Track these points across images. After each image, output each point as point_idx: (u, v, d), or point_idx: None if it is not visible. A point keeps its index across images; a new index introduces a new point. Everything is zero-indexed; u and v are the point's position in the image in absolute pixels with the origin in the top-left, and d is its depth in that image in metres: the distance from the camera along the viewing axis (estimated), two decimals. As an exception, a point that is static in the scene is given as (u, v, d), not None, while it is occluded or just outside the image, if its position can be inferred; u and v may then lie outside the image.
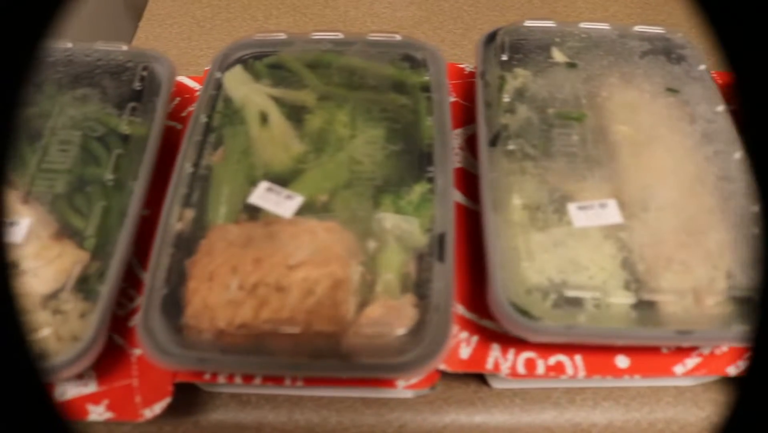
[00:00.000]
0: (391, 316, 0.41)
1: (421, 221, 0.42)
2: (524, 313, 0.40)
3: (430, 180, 0.44)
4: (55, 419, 0.18)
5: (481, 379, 0.47)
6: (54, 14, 0.17)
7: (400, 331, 0.40)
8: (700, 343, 0.41)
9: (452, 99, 0.54)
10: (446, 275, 0.41)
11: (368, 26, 0.70)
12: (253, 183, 0.45)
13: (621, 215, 0.43)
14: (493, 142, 0.45)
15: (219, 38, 0.68)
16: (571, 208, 0.42)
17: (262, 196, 0.43)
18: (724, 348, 0.44)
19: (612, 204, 0.42)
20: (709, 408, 0.48)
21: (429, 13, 0.71)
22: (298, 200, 0.43)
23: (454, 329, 0.44)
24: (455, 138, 0.52)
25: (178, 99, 0.56)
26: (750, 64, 0.17)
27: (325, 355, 0.39)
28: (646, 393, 0.48)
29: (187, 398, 0.47)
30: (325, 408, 0.47)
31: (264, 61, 0.50)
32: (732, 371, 0.44)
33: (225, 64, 0.50)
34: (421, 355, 0.39)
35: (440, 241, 0.42)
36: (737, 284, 0.41)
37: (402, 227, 0.43)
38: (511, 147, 0.45)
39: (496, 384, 0.47)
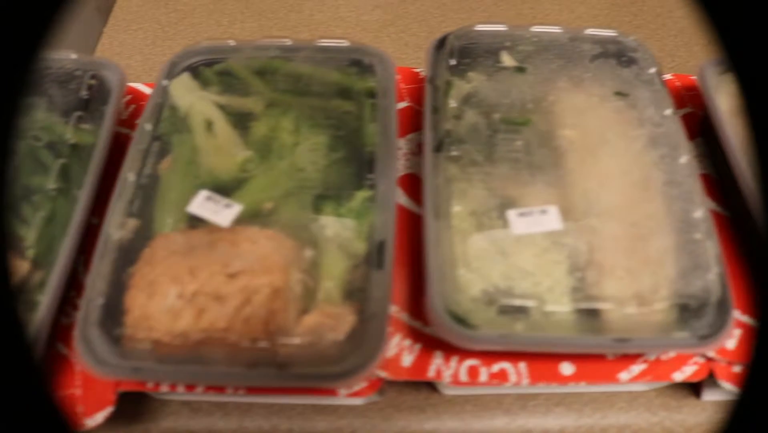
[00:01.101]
0: (329, 324, 0.41)
1: (362, 228, 0.42)
2: (461, 321, 0.40)
3: (372, 187, 0.43)
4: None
5: (432, 385, 0.47)
6: (49, 24, 0.17)
7: (338, 339, 0.40)
8: (639, 350, 0.41)
9: (405, 104, 0.54)
10: (384, 283, 0.40)
11: (332, 30, 0.69)
12: (199, 191, 0.45)
13: (562, 222, 0.42)
14: (438, 147, 0.44)
15: (183, 44, 0.67)
16: (511, 215, 0.41)
17: (201, 205, 0.43)
18: (671, 354, 0.44)
19: (553, 210, 0.42)
20: (662, 413, 0.47)
21: (394, 17, 0.71)
22: (236, 209, 0.42)
23: (397, 337, 0.44)
24: (407, 143, 0.52)
25: (133, 106, 0.56)
26: (749, 64, 0.17)
27: (262, 364, 0.39)
28: (599, 399, 0.47)
29: (138, 405, 0.47)
30: (276, 415, 0.47)
31: (214, 68, 0.50)
32: (678, 377, 0.44)
33: (174, 71, 0.50)
34: (357, 364, 0.38)
35: (379, 248, 0.41)
36: (680, 291, 0.41)
37: (343, 235, 0.43)
38: (455, 153, 0.44)
39: (446, 391, 0.47)
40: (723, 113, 0.49)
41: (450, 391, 0.47)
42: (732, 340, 0.45)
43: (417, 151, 0.52)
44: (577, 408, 0.47)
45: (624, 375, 0.43)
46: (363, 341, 0.39)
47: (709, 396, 0.47)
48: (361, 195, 0.43)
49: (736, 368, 0.44)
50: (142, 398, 0.47)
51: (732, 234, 0.49)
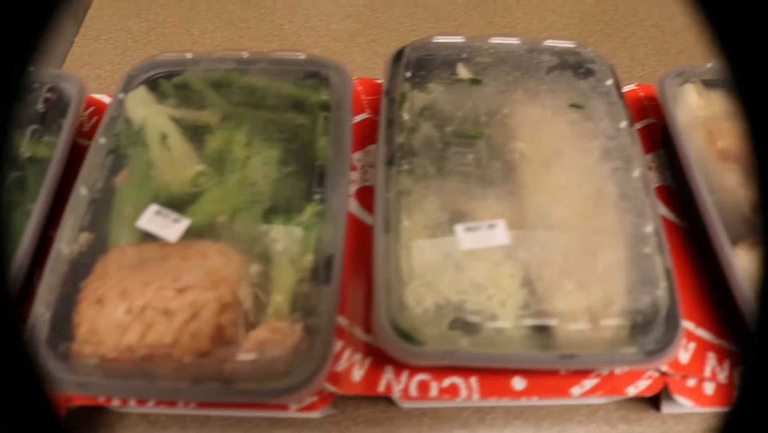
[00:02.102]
0: (276, 339, 0.41)
1: (311, 242, 0.42)
2: (407, 336, 0.40)
3: (322, 201, 0.43)
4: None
5: (390, 399, 0.47)
6: (39, 35, 0.17)
7: (285, 354, 0.40)
8: (585, 367, 0.41)
9: (366, 116, 0.54)
10: (331, 298, 0.40)
11: (303, 40, 0.69)
12: (149, 205, 0.45)
13: (511, 236, 0.42)
14: (390, 161, 0.44)
15: (153, 54, 0.68)
16: (458, 229, 0.41)
17: (150, 219, 0.43)
18: (625, 368, 0.43)
19: (501, 225, 0.42)
20: (622, 426, 0.47)
21: (365, 26, 0.71)
22: (184, 224, 0.42)
23: (348, 351, 0.44)
24: (366, 155, 0.52)
25: (96, 118, 0.56)
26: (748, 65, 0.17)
27: (207, 379, 0.39)
28: (558, 412, 0.47)
29: (97, 418, 0.47)
30: (233, 428, 0.47)
31: (172, 81, 0.50)
32: (631, 391, 0.44)
33: (132, 84, 0.50)
34: (302, 379, 0.38)
35: (327, 263, 0.41)
36: (629, 306, 0.41)
37: (292, 249, 0.43)
38: (406, 166, 0.44)
39: (404, 404, 0.47)
40: (680, 124, 0.48)
41: (407, 404, 0.47)
42: (686, 354, 0.45)
43: (375, 163, 0.52)
44: (535, 422, 0.47)
45: (576, 390, 0.43)
46: (309, 356, 0.39)
47: (668, 409, 0.46)
48: (311, 209, 0.43)
49: (690, 382, 0.44)
50: (100, 410, 0.47)
51: (690, 246, 0.49)
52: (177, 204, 0.45)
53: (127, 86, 0.49)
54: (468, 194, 0.44)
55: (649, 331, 0.40)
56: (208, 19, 0.71)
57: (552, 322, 0.41)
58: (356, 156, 0.52)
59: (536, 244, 0.43)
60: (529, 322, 0.41)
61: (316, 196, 0.43)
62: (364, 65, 0.67)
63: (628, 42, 0.70)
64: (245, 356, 0.40)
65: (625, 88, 0.58)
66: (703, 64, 0.51)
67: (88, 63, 0.67)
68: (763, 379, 0.17)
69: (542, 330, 0.41)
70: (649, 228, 0.42)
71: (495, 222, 0.42)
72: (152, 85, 0.50)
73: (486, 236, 0.41)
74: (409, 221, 0.43)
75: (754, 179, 0.17)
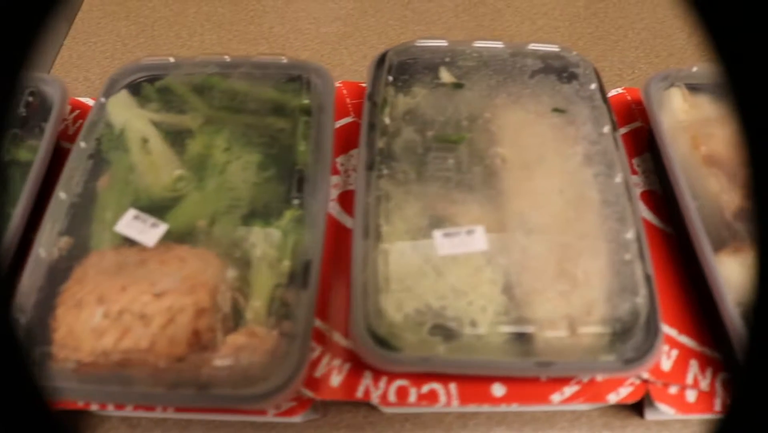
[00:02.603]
0: (253, 344, 0.41)
1: (289, 247, 0.42)
2: (384, 343, 0.39)
3: (301, 206, 0.43)
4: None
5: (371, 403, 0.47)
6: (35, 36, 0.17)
7: (262, 359, 0.40)
8: (562, 374, 0.40)
9: (350, 119, 0.54)
10: (308, 303, 0.40)
11: (291, 42, 0.69)
12: (136, 209, 0.45)
13: (492, 241, 0.42)
14: (370, 165, 0.44)
15: (141, 57, 0.68)
16: (437, 235, 0.41)
17: (129, 224, 0.43)
18: (604, 376, 0.43)
19: (479, 231, 0.41)
20: (605, 433, 0.47)
21: (353, 29, 0.71)
22: (162, 229, 0.42)
23: (327, 356, 0.44)
24: (349, 159, 0.52)
25: (81, 122, 0.56)
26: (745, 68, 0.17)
27: (184, 384, 0.39)
28: (541, 418, 0.47)
29: (79, 420, 0.47)
30: (215, 432, 0.47)
31: (155, 85, 0.50)
32: (613, 398, 0.43)
33: (115, 88, 0.50)
34: (277, 385, 0.38)
35: (305, 268, 0.41)
36: (609, 313, 0.41)
37: (271, 254, 0.42)
38: (386, 171, 0.44)
39: (386, 409, 0.46)
40: (665, 129, 0.48)
41: (389, 409, 0.46)
42: (668, 361, 0.44)
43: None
44: (517, 427, 0.47)
45: (557, 397, 0.43)
46: (285, 361, 0.39)
47: (652, 416, 0.46)
48: (290, 214, 0.43)
49: (673, 390, 0.44)
50: (81, 413, 0.46)
51: (675, 252, 0.49)
52: (158, 208, 0.45)
53: (110, 90, 0.49)
54: (448, 199, 0.43)
55: (628, 339, 0.39)
56: (197, 22, 0.71)
57: (531, 329, 0.41)
58: (340, 160, 0.52)
59: (517, 250, 0.42)
60: (509, 329, 0.41)
61: (295, 201, 0.43)
62: (353, 68, 0.67)
63: (618, 45, 0.69)
64: (221, 361, 0.40)
65: (612, 92, 0.58)
66: (690, 67, 0.51)
67: (76, 66, 0.67)
68: (757, 388, 0.17)
69: (522, 337, 0.41)
70: (629, 234, 0.42)
71: (473, 228, 0.41)
72: (135, 89, 0.50)
73: (464, 241, 0.41)
74: (389, 226, 0.43)
75: (749, 185, 0.17)
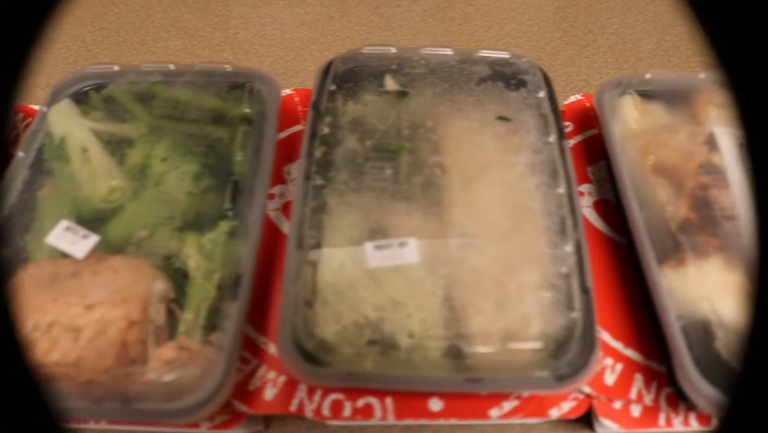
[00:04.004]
0: (183, 357, 0.40)
1: (222, 259, 0.41)
2: (313, 357, 0.39)
3: (236, 217, 0.43)
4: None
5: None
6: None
7: (191, 372, 0.39)
8: (493, 391, 0.39)
9: (300, 127, 0.53)
10: (238, 315, 0.40)
11: (256, 48, 0.69)
12: (76, 219, 0.45)
13: (427, 253, 0.41)
14: (308, 175, 0.43)
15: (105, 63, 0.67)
16: (368, 247, 0.40)
17: (60, 235, 0.42)
18: (538, 392, 0.42)
19: (411, 243, 0.41)
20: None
21: (319, 35, 0.70)
22: (93, 240, 0.42)
23: (262, 369, 0.43)
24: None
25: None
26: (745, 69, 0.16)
27: (109, 398, 0.39)
28: (491, 431, 0.46)
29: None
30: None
31: (102, 94, 0.50)
32: (554, 413, 0.42)
33: (59, 97, 0.49)
34: (201, 399, 0.38)
35: (236, 281, 0.41)
36: (545, 329, 0.40)
37: (204, 266, 0.42)
38: (320, 181, 0.43)
39: (332, 421, 0.46)
40: (616, 137, 0.47)
41: (335, 422, 0.46)
42: (612, 376, 0.43)
43: (307, 176, 0.51)
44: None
45: (495, 412, 0.42)
46: (213, 374, 0.38)
47: (602, 429, 0.45)
48: (224, 225, 0.42)
49: (617, 405, 0.43)
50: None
51: (626, 264, 0.48)
52: (98, 219, 0.44)
53: (54, 99, 0.49)
54: (386, 210, 0.42)
55: (562, 354, 0.38)
56: (163, 27, 0.71)
57: (466, 343, 0.40)
58: (287, 169, 0.51)
59: (455, 262, 0.41)
60: (445, 343, 0.40)
61: (229, 212, 0.42)
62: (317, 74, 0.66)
63: (586, 50, 0.68)
64: (149, 374, 0.39)
65: (571, 99, 0.57)
66: (643, 74, 0.50)
67: (38, 72, 0.67)
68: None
69: (459, 351, 0.40)
70: (568, 247, 0.41)
71: (406, 240, 0.41)
72: (81, 97, 0.50)
73: (396, 254, 0.40)
74: (325, 237, 0.42)
75: (751, 186, 0.17)
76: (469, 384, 0.37)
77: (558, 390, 0.38)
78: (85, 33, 0.71)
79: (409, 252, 0.40)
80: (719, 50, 0.17)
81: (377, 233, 0.42)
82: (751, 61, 0.16)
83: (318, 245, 0.42)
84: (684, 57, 0.68)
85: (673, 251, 0.42)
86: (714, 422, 0.42)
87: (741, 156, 0.45)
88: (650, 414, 0.42)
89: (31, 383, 0.19)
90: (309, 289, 0.41)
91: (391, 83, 0.48)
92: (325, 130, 0.45)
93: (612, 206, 0.50)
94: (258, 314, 0.45)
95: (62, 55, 0.69)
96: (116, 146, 0.46)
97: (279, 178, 0.50)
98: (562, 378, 0.38)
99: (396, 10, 0.72)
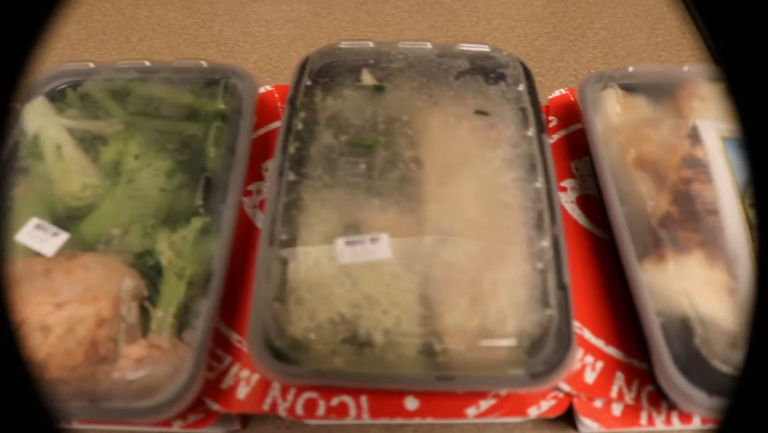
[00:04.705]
0: (154, 355, 0.40)
1: (194, 256, 0.41)
2: (283, 355, 0.38)
3: (208, 213, 0.42)
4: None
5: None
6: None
7: (161, 371, 0.39)
8: (465, 389, 0.39)
9: (279, 124, 0.53)
10: (208, 313, 0.39)
11: (241, 45, 0.68)
12: (50, 217, 0.44)
13: (401, 249, 0.40)
14: (281, 171, 0.43)
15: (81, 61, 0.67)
16: (339, 243, 0.40)
17: (30, 233, 0.42)
18: (513, 390, 0.41)
19: (383, 238, 0.40)
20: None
21: (305, 31, 0.69)
22: (62, 238, 0.41)
23: (236, 367, 0.43)
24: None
25: (15, 127, 0.55)
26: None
27: (77, 397, 0.38)
28: (471, 430, 0.45)
29: None
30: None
31: (78, 91, 0.49)
32: (533, 412, 0.41)
33: (35, 94, 0.49)
34: (169, 397, 0.37)
35: (208, 277, 0.40)
36: (520, 326, 0.39)
37: (177, 263, 0.41)
38: (298, 177, 0.43)
39: (311, 420, 0.45)
40: (598, 131, 0.46)
41: (315, 421, 0.45)
42: (593, 374, 0.43)
43: (286, 172, 0.51)
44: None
45: (472, 411, 0.41)
46: (182, 373, 0.38)
47: (585, 429, 0.44)
48: (196, 222, 0.41)
49: (598, 403, 0.42)
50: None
51: (608, 260, 0.47)
52: (71, 217, 0.44)
53: (28, 97, 0.49)
54: (360, 206, 0.42)
55: (537, 352, 0.38)
56: (148, 26, 0.70)
57: (441, 340, 0.39)
58: (265, 165, 0.50)
59: (430, 258, 0.41)
60: (420, 340, 0.39)
61: (201, 209, 0.42)
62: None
63: (575, 45, 0.67)
64: (118, 373, 0.38)
65: (555, 93, 0.56)
66: (626, 67, 0.49)
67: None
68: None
69: (433, 348, 0.39)
70: (545, 242, 0.40)
71: (378, 236, 0.40)
72: (58, 95, 0.49)
73: (367, 250, 0.39)
74: (299, 234, 0.41)
75: (752, 187, 0.16)
76: (441, 382, 0.37)
77: (533, 388, 0.37)
78: (71, 31, 0.70)
79: (381, 248, 0.39)
80: (716, 44, 0.16)
81: (351, 229, 0.42)
82: (749, 56, 0.16)
83: (291, 242, 0.41)
84: (674, 51, 0.67)
85: (653, 246, 0.41)
86: (695, 421, 0.41)
87: (724, 150, 0.44)
88: (632, 413, 0.41)
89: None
90: (281, 286, 0.40)
91: (367, 78, 0.47)
92: (300, 125, 0.45)
93: (595, 202, 0.50)
94: (232, 312, 0.45)
95: (47, 53, 0.69)
96: (90, 144, 0.46)
97: (257, 174, 0.50)
98: (537, 376, 0.37)
99: (383, 6, 0.71)
